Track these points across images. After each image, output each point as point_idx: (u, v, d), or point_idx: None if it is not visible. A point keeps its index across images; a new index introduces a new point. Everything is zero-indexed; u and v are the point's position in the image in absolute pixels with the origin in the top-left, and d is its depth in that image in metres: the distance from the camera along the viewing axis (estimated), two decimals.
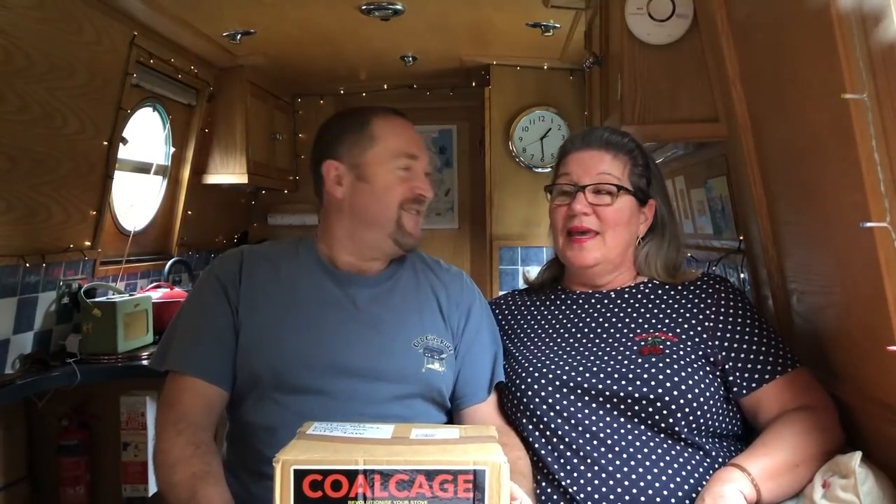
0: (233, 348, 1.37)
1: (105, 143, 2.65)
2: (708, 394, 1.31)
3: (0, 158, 2.17)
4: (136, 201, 3.31)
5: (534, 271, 1.69)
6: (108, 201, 2.82)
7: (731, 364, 1.36)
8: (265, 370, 1.35)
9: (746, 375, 1.35)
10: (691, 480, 1.27)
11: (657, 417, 1.30)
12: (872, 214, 1.03)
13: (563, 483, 1.28)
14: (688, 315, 1.42)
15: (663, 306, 1.45)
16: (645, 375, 1.32)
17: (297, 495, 0.94)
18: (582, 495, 1.26)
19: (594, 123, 2.29)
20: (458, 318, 1.48)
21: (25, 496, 2.56)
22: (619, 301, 1.48)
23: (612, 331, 1.44)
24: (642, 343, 1.38)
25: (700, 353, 1.36)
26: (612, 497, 1.25)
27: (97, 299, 2.63)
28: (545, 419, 1.35)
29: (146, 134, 3.20)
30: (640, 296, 1.48)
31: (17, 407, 2.53)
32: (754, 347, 1.36)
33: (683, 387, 1.30)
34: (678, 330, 1.40)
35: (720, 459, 1.30)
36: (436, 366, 1.41)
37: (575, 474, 1.29)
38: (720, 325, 1.39)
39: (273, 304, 1.40)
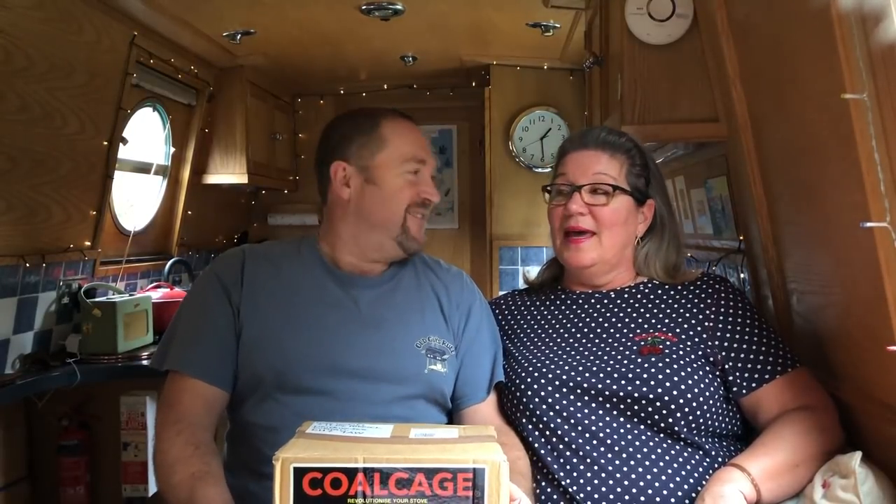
0: (233, 349, 1.37)
1: (105, 143, 2.65)
2: (707, 394, 1.31)
3: (0, 158, 2.17)
4: (136, 201, 3.31)
5: (534, 271, 1.69)
6: (108, 201, 2.82)
7: (730, 364, 1.36)
8: (267, 370, 1.35)
9: (746, 375, 1.35)
10: (691, 480, 1.27)
11: (657, 417, 1.30)
12: (872, 214, 1.03)
13: (563, 483, 1.28)
14: (687, 315, 1.42)
15: (663, 306, 1.45)
16: (645, 375, 1.32)
17: (296, 493, 0.94)
18: (582, 495, 1.26)
19: (594, 123, 2.30)
20: (458, 319, 1.48)
21: (25, 496, 2.56)
22: (618, 301, 1.48)
23: (611, 331, 1.44)
24: (642, 343, 1.38)
25: (700, 353, 1.36)
26: (611, 497, 1.25)
27: (97, 299, 2.63)
28: (545, 419, 1.35)
29: (146, 134, 3.20)
30: (639, 296, 1.48)
31: (17, 407, 2.53)
32: (754, 347, 1.36)
33: (683, 387, 1.30)
34: (678, 330, 1.40)
35: (720, 459, 1.30)
36: (438, 367, 1.41)
37: (575, 474, 1.29)
38: (720, 325, 1.39)
39: (275, 304, 1.40)
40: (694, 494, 1.24)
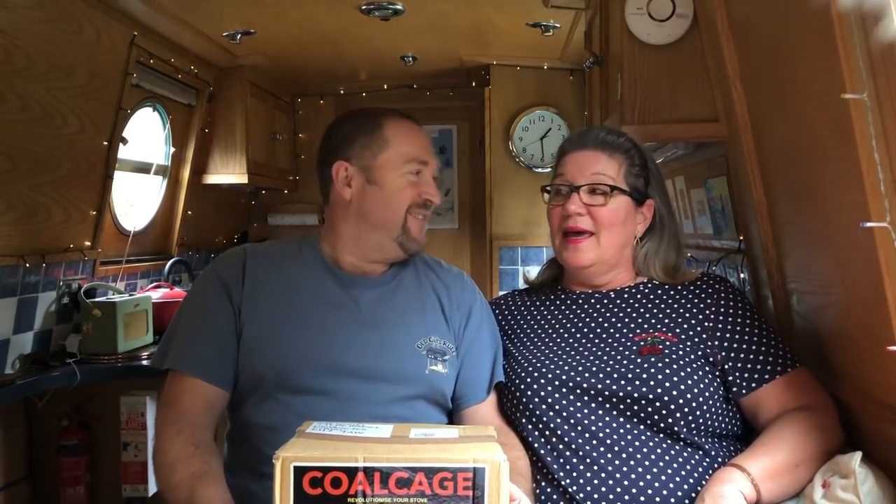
0: (234, 349, 1.37)
1: (105, 143, 2.65)
2: (707, 394, 1.31)
3: (0, 158, 2.17)
4: (136, 201, 3.31)
5: (534, 271, 1.70)
6: (108, 201, 2.82)
7: (730, 364, 1.36)
8: (268, 370, 1.35)
9: (746, 375, 1.35)
10: (691, 480, 1.27)
11: (657, 417, 1.30)
12: (872, 214, 1.03)
13: (563, 483, 1.28)
14: (687, 315, 1.42)
15: (663, 306, 1.45)
16: (644, 375, 1.32)
17: (296, 492, 0.94)
18: (581, 495, 1.26)
19: (594, 123, 2.30)
20: (459, 319, 1.48)
21: (25, 496, 2.56)
22: (618, 301, 1.48)
23: (611, 331, 1.44)
24: (642, 343, 1.38)
25: (699, 353, 1.36)
26: (611, 497, 1.25)
27: (97, 299, 2.63)
28: (545, 419, 1.35)
29: (146, 134, 3.20)
30: (639, 296, 1.48)
31: (17, 407, 2.53)
32: (754, 347, 1.36)
33: (683, 387, 1.30)
34: (677, 330, 1.40)
35: (720, 459, 1.30)
36: (439, 367, 1.41)
37: (574, 474, 1.29)
38: (720, 325, 1.39)
39: (276, 304, 1.40)
40: (694, 494, 1.24)
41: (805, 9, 1.14)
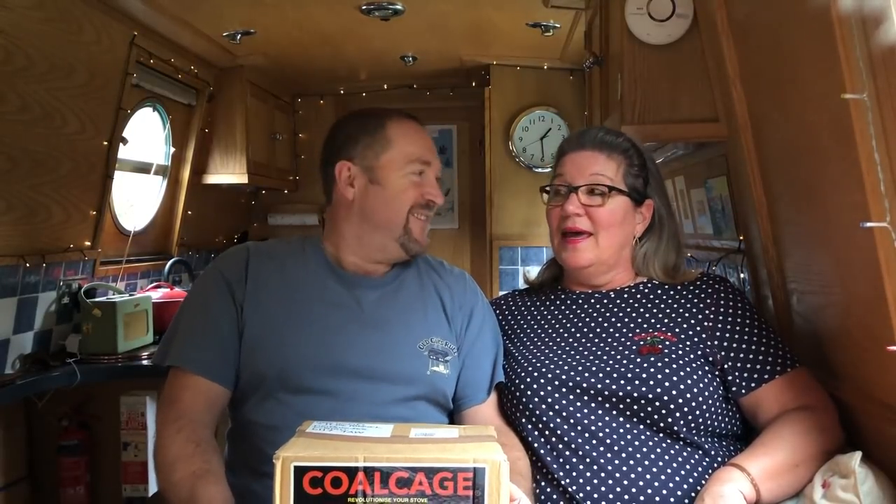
0: (236, 347, 1.37)
1: (105, 143, 2.65)
2: (707, 393, 1.31)
3: (0, 158, 2.17)
4: (136, 201, 3.31)
5: (534, 271, 1.70)
6: (108, 201, 2.83)
7: (730, 364, 1.36)
8: (269, 369, 1.35)
9: (746, 375, 1.35)
10: (691, 480, 1.27)
11: (656, 417, 1.30)
12: (872, 214, 1.03)
13: (563, 483, 1.29)
14: (687, 315, 1.42)
15: (662, 306, 1.45)
16: (644, 375, 1.32)
17: (297, 492, 0.94)
18: (581, 495, 1.26)
19: (594, 123, 2.30)
20: (461, 320, 1.48)
21: (25, 496, 2.56)
22: (618, 301, 1.48)
23: (611, 331, 1.44)
24: (641, 343, 1.38)
25: (699, 352, 1.36)
26: (611, 497, 1.25)
27: (97, 299, 2.63)
28: (545, 419, 1.35)
29: (146, 134, 3.20)
30: (639, 296, 1.48)
31: (17, 407, 2.53)
32: (754, 347, 1.36)
33: (682, 386, 1.30)
34: (677, 330, 1.40)
35: (720, 459, 1.30)
36: (440, 368, 1.41)
37: (574, 474, 1.29)
38: (719, 325, 1.39)
39: (278, 303, 1.40)
40: (693, 494, 1.24)
41: (805, 9, 1.14)
